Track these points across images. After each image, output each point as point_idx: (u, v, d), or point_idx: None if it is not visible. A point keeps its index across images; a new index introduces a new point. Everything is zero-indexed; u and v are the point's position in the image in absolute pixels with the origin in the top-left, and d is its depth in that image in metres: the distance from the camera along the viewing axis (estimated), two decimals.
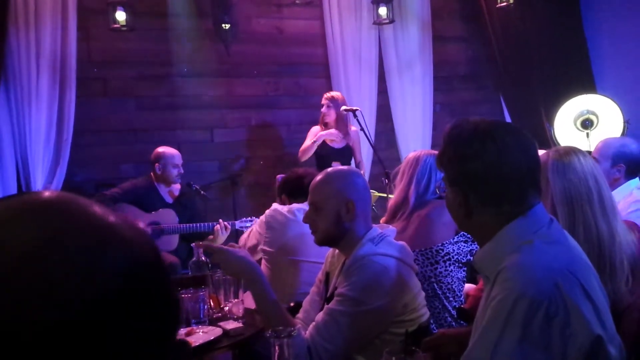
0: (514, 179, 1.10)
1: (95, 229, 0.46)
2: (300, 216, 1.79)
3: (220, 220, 3.55)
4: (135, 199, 3.52)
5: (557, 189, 1.48)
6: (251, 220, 3.33)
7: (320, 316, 1.56)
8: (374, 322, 1.54)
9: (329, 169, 1.73)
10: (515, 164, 1.10)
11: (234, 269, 1.66)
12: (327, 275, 1.79)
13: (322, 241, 1.69)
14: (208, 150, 4.36)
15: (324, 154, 3.87)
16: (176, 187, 3.69)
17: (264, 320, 1.63)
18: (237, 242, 2.58)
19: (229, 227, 3.53)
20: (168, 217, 3.57)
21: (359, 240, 1.62)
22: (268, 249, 2.28)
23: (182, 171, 3.64)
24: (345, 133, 3.94)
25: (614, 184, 2.35)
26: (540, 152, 1.34)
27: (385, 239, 1.65)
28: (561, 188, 1.47)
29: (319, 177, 1.69)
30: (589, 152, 1.98)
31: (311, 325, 1.55)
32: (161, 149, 3.63)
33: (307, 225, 1.72)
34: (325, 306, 1.57)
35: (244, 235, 2.50)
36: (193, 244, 2.35)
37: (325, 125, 3.92)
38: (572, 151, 1.53)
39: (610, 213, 1.45)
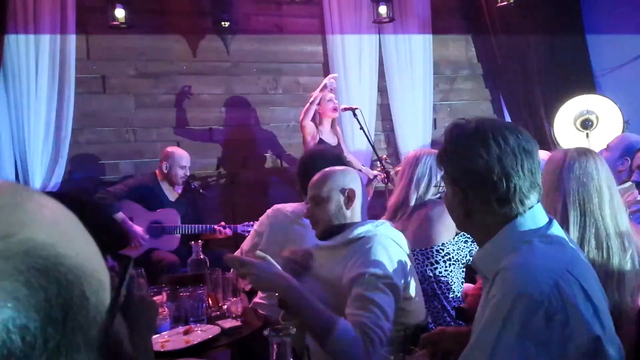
0: (515, 179, 1.10)
1: None
2: (304, 219, 1.78)
3: (222, 223, 3.56)
4: (139, 196, 3.53)
5: (571, 190, 1.46)
6: (252, 225, 3.32)
7: (351, 305, 1.49)
8: (395, 296, 1.52)
9: (327, 168, 1.74)
10: (516, 164, 1.09)
11: (264, 284, 1.54)
12: None
13: (323, 233, 1.69)
14: (207, 149, 4.35)
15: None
16: (179, 186, 3.71)
17: (310, 329, 1.50)
18: (238, 246, 2.53)
19: (230, 230, 3.54)
20: (171, 216, 3.58)
21: (357, 229, 1.64)
22: (267, 249, 2.23)
23: (187, 173, 3.66)
24: (335, 130, 3.98)
25: (617, 176, 2.37)
26: (542, 152, 1.33)
27: (385, 224, 1.69)
28: (575, 189, 1.46)
29: (317, 175, 1.71)
30: None
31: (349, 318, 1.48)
32: (171, 149, 3.66)
33: (309, 229, 1.72)
34: (353, 294, 1.51)
35: (246, 240, 2.41)
36: (194, 243, 2.35)
37: (320, 123, 3.91)
38: (590, 154, 1.51)
39: (621, 223, 1.44)
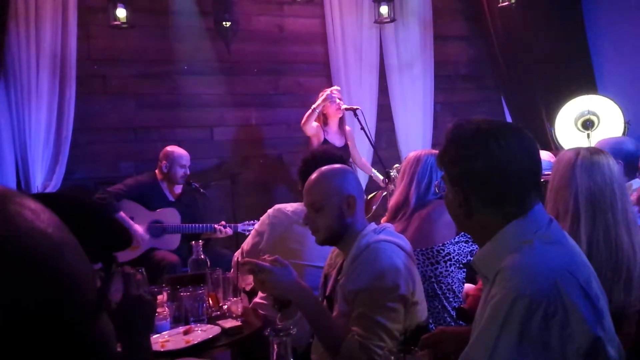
0: (516, 180, 1.10)
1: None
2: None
3: (223, 222, 3.56)
4: (139, 196, 3.53)
5: (583, 187, 1.46)
6: (253, 224, 3.32)
7: (357, 322, 1.50)
8: (403, 306, 1.52)
9: (323, 168, 1.69)
10: (517, 165, 1.09)
11: (281, 291, 1.54)
12: (325, 278, 1.78)
13: (324, 240, 1.65)
14: (208, 149, 4.35)
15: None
16: (179, 186, 3.71)
17: (322, 340, 1.53)
18: (239, 246, 2.52)
19: (230, 230, 3.54)
20: (171, 216, 3.58)
21: (359, 233, 1.61)
22: (268, 249, 2.21)
23: (187, 172, 3.66)
24: (343, 130, 3.98)
25: None
26: (543, 153, 1.33)
27: (386, 230, 1.65)
28: (587, 187, 1.45)
29: (313, 176, 1.66)
30: None
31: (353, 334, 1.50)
32: (170, 148, 3.65)
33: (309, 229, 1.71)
34: (357, 312, 1.51)
35: (247, 240, 2.40)
36: (195, 243, 2.35)
37: (325, 123, 3.92)
38: (602, 153, 1.51)
39: (633, 226, 1.43)
